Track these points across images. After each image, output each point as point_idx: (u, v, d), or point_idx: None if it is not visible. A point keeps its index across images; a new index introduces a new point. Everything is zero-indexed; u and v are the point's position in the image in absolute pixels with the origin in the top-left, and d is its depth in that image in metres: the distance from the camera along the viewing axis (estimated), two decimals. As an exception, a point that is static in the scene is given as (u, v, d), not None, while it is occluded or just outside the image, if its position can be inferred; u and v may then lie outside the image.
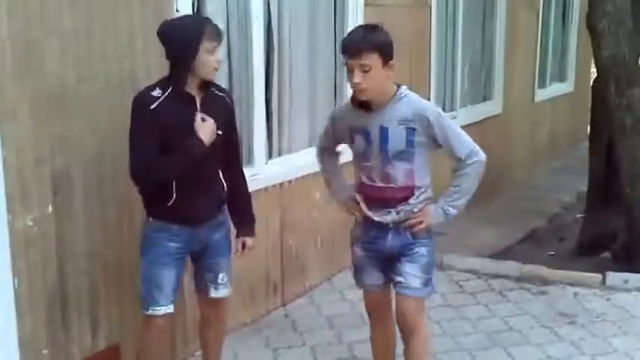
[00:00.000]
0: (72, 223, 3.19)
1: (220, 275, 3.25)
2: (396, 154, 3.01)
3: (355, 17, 4.98)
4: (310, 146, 4.53)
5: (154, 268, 3.06)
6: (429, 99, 5.12)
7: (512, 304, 4.67)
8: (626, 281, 4.86)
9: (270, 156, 4.52)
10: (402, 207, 3.08)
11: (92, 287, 3.32)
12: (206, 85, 3.04)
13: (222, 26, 3.63)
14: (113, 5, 3.29)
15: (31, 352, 3.07)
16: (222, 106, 3.12)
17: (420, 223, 3.09)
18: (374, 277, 3.24)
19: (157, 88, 2.95)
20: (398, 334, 3.28)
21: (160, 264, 3.06)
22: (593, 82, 5.99)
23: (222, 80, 3.54)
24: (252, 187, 3.59)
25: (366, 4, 5.05)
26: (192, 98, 3.00)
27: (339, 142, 3.29)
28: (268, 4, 4.34)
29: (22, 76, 2.91)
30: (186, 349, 3.87)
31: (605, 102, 5.30)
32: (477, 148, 3.07)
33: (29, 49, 2.93)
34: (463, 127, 3.19)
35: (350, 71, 2.94)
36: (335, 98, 5.02)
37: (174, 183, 2.98)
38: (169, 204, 3.00)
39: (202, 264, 3.24)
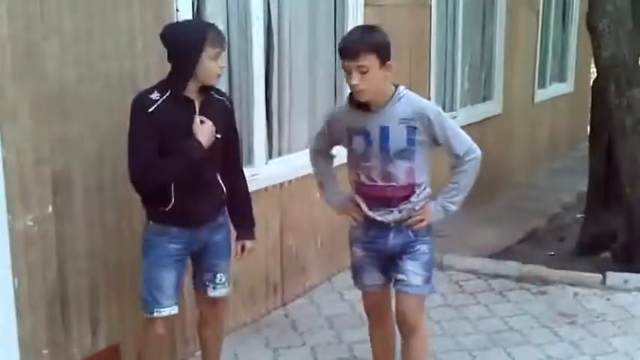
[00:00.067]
0: (72, 223, 3.19)
1: (219, 275, 3.24)
2: (398, 153, 3.02)
3: (355, 17, 4.99)
4: (310, 146, 4.53)
5: (154, 269, 3.06)
6: (429, 99, 5.12)
7: (512, 304, 4.67)
8: (626, 281, 4.86)
9: (270, 156, 4.52)
10: (404, 205, 3.09)
11: (92, 287, 3.32)
12: (206, 90, 3.03)
13: (222, 26, 3.64)
14: (113, 5, 3.29)
15: (31, 352, 3.07)
16: (221, 110, 3.11)
17: (421, 220, 3.10)
18: (374, 277, 3.24)
19: (156, 91, 2.95)
20: (398, 334, 3.29)
21: (160, 265, 3.06)
22: (593, 82, 5.99)
23: (222, 80, 3.54)
24: (252, 187, 3.59)
25: (366, 4, 5.05)
26: (191, 102, 2.99)
27: (336, 144, 3.29)
28: (268, 4, 4.34)
29: (22, 76, 2.91)
30: (185, 349, 3.87)
31: (605, 102, 5.30)
32: (474, 145, 3.10)
33: (29, 50, 2.93)
34: (463, 128, 3.20)
35: (348, 73, 2.93)
36: (335, 98, 5.02)
37: (172, 187, 2.98)
38: (168, 208, 2.99)
39: (201, 264, 3.24)
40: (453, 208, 3.12)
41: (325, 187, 3.36)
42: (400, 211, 3.09)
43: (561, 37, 9.29)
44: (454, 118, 5.94)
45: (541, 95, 8.65)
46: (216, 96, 3.11)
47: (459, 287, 4.94)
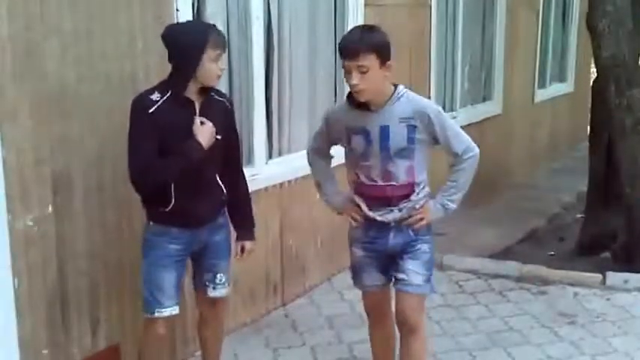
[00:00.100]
0: (72, 224, 3.19)
1: (219, 275, 3.24)
2: (398, 152, 3.02)
3: (355, 17, 4.99)
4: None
5: (154, 270, 3.06)
6: (429, 99, 5.12)
7: (512, 304, 4.67)
8: (626, 281, 4.86)
9: (270, 156, 4.52)
10: (404, 204, 3.09)
11: (92, 287, 3.32)
12: (206, 91, 3.03)
13: (222, 26, 3.64)
14: (113, 5, 3.29)
15: (31, 352, 3.07)
16: (221, 111, 3.11)
17: (421, 219, 3.11)
18: (374, 277, 3.24)
19: (156, 92, 2.94)
20: (397, 334, 3.28)
21: (160, 266, 3.06)
22: (593, 82, 5.99)
23: (222, 80, 3.54)
24: (252, 187, 3.59)
25: (366, 4, 5.05)
26: (192, 103, 2.99)
27: (334, 143, 3.28)
28: (268, 4, 4.34)
29: (22, 76, 2.91)
30: (186, 349, 3.87)
31: (605, 102, 5.30)
32: (472, 143, 3.11)
33: (29, 50, 2.93)
34: (463, 128, 3.21)
35: (348, 72, 2.93)
36: (335, 98, 5.02)
37: (172, 187, 2.98)
38: (168, 209, 2.99)
39: (201, 264, 3.24)
40: (453, 206, 3.13)
41: (324, 188, 3.35)
42: (400, 210, 3.09)
43: (561, 37, 9.30)
44: (454, 118, 5.94)
45: (541, 95, 8.65)
46: (216, 97, 3.11)
47: (459, 287, 4.94)
